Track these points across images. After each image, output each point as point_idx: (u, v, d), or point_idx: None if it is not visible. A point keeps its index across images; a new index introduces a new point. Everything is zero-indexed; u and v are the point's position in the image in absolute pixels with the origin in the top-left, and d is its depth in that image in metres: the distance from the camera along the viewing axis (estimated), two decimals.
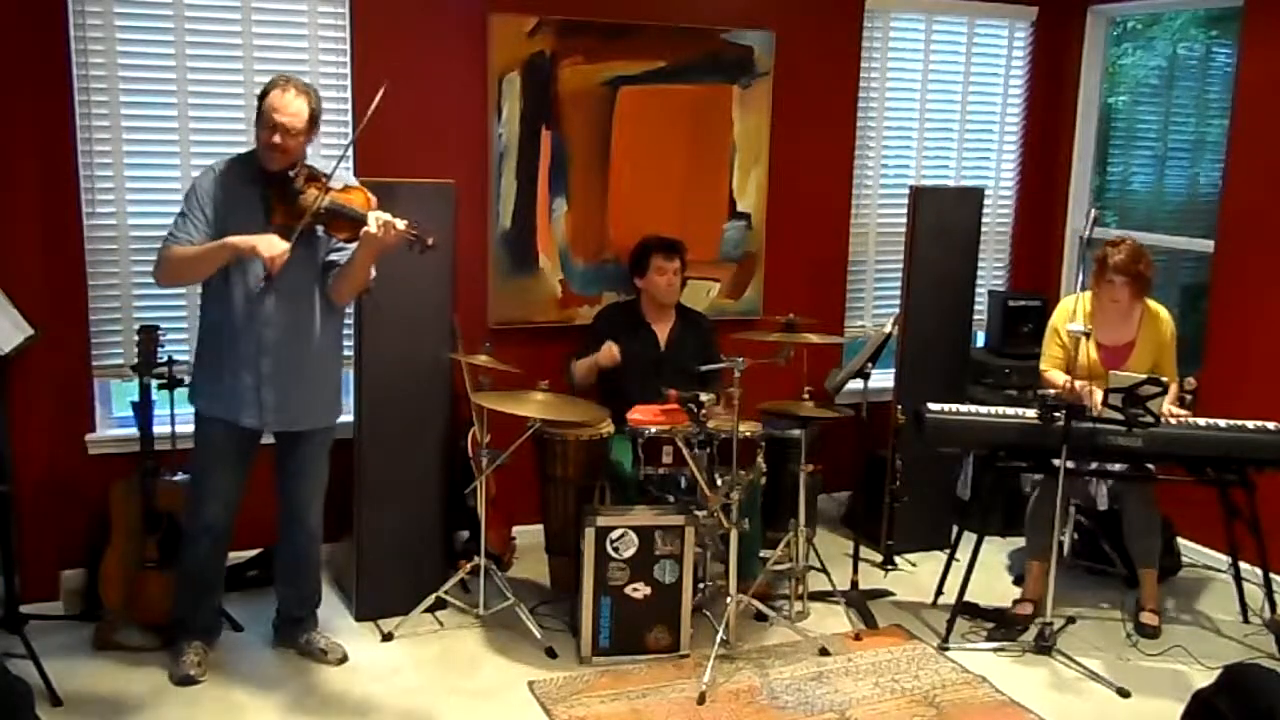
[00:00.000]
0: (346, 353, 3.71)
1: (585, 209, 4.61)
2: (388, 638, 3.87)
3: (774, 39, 4.78)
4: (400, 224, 3.23)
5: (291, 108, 3.24)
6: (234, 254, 3.25)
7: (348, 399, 3.82)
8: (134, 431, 3.75)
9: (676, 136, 4.70)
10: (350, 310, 3.76)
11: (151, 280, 3.98)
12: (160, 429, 3.78)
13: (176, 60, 3.97)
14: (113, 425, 4.14)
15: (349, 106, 4.21)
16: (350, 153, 4.13)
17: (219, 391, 3.39)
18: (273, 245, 3.19)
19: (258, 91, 3.96)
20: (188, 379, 3.87)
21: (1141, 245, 4.02)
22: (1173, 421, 3.86)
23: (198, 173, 3.93)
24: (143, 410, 3.69)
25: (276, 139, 3.24)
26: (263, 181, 3.33)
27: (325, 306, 3.47)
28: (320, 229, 3.33)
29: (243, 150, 3.67)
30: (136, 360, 3.66)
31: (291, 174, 3.28)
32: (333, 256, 3.44)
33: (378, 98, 3.19)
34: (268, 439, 3.55)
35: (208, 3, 3.99)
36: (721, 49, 4.71)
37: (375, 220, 3.21)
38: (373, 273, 3.41)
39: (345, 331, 3.68)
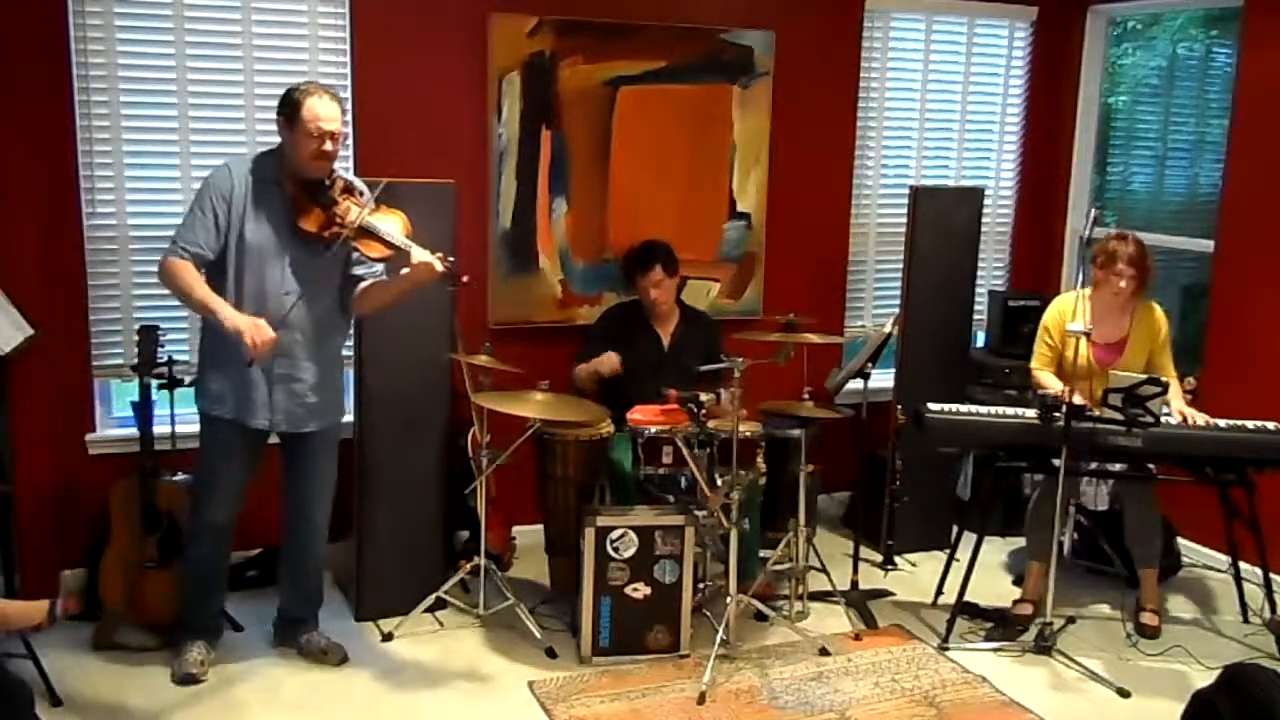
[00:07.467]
0: (346, 353, 3.72)
1: (585, 209, 4.61)
2: (388, 638, 3.87)
3: (774, 39, 4.78)
4: (439, 265, 3.26)
5: (333, 113, 3.27)
6: (216, 322, 3.22)
7: (347, 398, 3.81)
8: (134, 431, 3.74)
9: (676, 136, 4.69)
10: None
11: (151, 280, 4.00)
12: (160, 429, 3.79)
13: (176, 60, 3.97)
14: (113, 425, 4.13)
15: (349, 107, 4.20)
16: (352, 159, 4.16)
17: (228, 391, 3.39)
18: (259, 332, 3.17)
19: (258, 91, 3.96)
20: (189, 379, 3.88)
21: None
22: (1199, 421, 3.86)
23: (198, 172, 3.95)
24: (143, 410, 3.70)
25: (328, 146, 3.26)
26: (288, 182, 3.33)
27: (339, 314, 3.50)
28: (351, 245, 3.34)
29: (244, 150, 3.67)
30: (136, 360, 3.66)
31: (327, 182, 3.30)
32: (359, 270, 3.47)
33: (380, 187, 3.33)
34: (273, 438, 3.55)
35: (208, 3, 3.98)
36: (721, 49, 4.71)
37: (418, 258, 3.25)
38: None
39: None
